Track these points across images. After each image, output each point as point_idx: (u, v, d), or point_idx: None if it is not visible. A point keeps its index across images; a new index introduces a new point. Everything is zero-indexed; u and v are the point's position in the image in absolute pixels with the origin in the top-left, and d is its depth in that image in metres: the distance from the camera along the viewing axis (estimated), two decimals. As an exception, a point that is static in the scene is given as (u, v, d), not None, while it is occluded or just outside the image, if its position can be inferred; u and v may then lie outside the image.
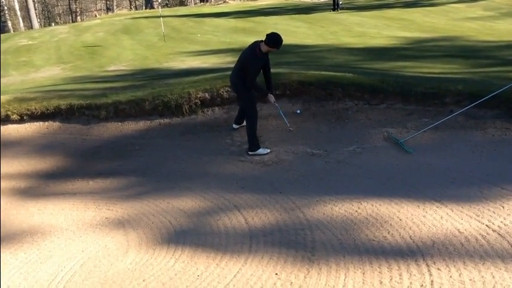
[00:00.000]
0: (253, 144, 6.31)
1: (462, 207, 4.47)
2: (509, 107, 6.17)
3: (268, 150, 6.31)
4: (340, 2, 19.60)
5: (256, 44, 6.04)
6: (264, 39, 5.95)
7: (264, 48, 5.96)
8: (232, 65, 10.09)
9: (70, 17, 47.88)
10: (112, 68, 11.65)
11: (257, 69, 6.05)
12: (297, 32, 15.09)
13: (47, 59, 13.80)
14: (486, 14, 16.45)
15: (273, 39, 5.89)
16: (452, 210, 4.45)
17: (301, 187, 5.34)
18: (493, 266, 3.58)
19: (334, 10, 19.24)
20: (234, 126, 6.90)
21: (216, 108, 7.25)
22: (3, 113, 7.23)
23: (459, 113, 6.24)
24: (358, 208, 4.69)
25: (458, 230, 4.13)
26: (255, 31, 15.70)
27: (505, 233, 3.97)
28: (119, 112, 7.19)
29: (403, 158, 5.81)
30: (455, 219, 4.30)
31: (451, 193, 4.78)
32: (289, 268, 3.89)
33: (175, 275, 3.92)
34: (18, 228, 4.97)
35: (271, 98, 6.31)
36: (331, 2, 19.82)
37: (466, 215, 4.34)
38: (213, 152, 6.45)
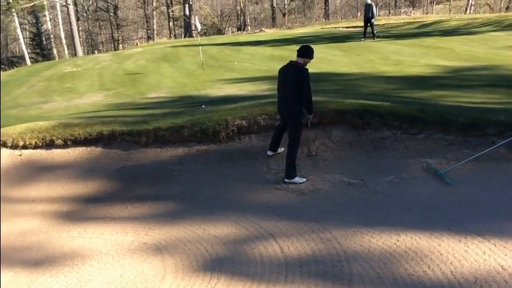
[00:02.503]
0: (292, 171, 6.32)
1: (506, 243, 4.32)
2: (555, 139, 5.98)
3: (304, 180, 6.30)
4: (375, 31, 19.54)
5: (293, 63, 6.21)
6: (297, 56, 6.18)
7: (303, 62, 6.15)
8: (269, 93, 10.26)
9: (112, 45, 49.73)
10: (152, 95, 11.99)
11: (309, 82, 6.14)
12: (333, 60, 15.15)
13: (90, 86, 14.34)
14: (528, 42, 16.08)
15: (307, 49, 6.17)
16: (495, 245, 4.30)
17: (338, 217, 5.29)
18: (541, 307, 3.43)
19: (364, 38, 19.21)
20: (269, 153, 6.93)
21: (253, 136, 7.32)
22: (48, 138, 7.52)
23: (501, 144, 6.08)
24: (397, 241, 4.60)
25: (501, 266, 3.99)
26: (291, 59, 15.87)
27: (553, 271, 3.81)
28: (158, 138, 7.36)
29: (443, 189, 5.68)
30: (499, 255, 4.16)
31: (494, 227, 4.63)
32: (325, 300, 3.83)
33: (211, 303, 3.93)
34: (59, 251, 5.10)
35: (311, 115, 6.56)
36: (363, 30, 19.74)
37: (510, 250, 4.19)
38: (250, 180, 6.48)
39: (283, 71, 6.35)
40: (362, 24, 21.51)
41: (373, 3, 19.38)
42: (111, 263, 4.75)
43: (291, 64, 6.23)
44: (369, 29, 19.39)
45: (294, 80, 6.11)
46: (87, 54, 40.64)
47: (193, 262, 4.63)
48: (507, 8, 36.60)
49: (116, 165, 7.14)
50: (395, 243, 4.56)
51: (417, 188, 5.81)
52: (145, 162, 7.12)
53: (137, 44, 34.25)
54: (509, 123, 6.44)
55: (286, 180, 6.32)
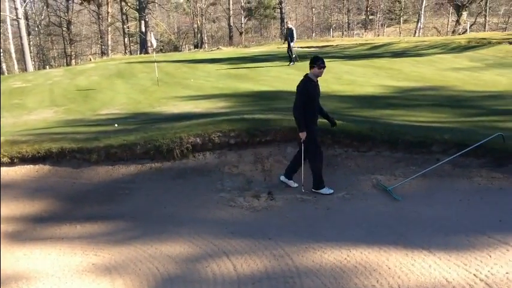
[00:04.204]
0: (319, 181, 6.32)
1: (450, 256, 4.49)
2: (495, 157, 6.30)
3: (332, 191, 6.30)
4: (294, 55, 18.47)
5: (305, 75, 6.28)
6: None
7: (311, 73, 6.20)
8: (225, 110, 10.30)
9: (65, 60, 48.55)
10: (105, 111, 11.76)
11: (303, 94, 6.14)
12: (288, 78, 15.39)
13: (40, 102, 13.90)
14: (472, 64, 16.95)
15: (314, 58, 6.20)
16: (440, 259, 4.46)
17: (291, 233, 5.33)
18: (482, 317, 3.57)
19: (292, 62, 18.36)
20: (282, 178, 6.63)
21: (207, 153, 7.31)
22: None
23: (446, 161, 6.35)
24: (347, 256, 4.68)
25: (446, 279, 4.13)
26: (247, 77, 16.02)
27: (492, 282, 3.98)
28: (110, 156, 7.22)
29: (391, 205, 5.86)
30: (443, 268, 4.31)
31: (439, 241, 4.80)
32: (277, 317, 3.84)
33: (162, 323, 3.86)
34: (2, 273, 4.86)
35: (303, 136, 6.17)
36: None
37: (454, 263, 4.35)
38: (204, 197, 6.45)
39: None
40: (312, 44, 21.65)
41: (293, 27, 19.04)
42: (57, 285, 4.57)
43: (303, 78, 6.30)
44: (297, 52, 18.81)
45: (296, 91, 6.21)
46: (38, 69, 39.48)
47: (143, 282, 4.54)
48: (453, 32, 38.50)
49: (65, 183, 6.92)
50: (345, 258, 4.64)
51: (367, 204, 5.96)
52: (96, 181, 6.95)
53: (90, 60, 33.63)
54: (453, 142, 6.75)
55: (313, 190, 6.35)
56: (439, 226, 5.15)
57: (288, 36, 18.47)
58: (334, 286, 4.22)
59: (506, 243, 4.54)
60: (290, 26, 19.14)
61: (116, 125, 9.04)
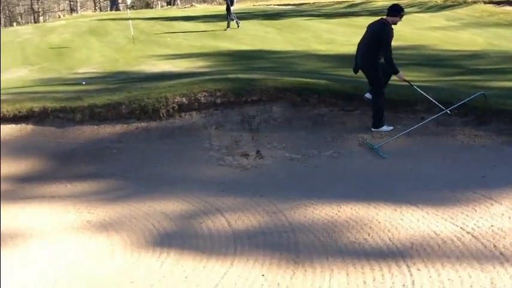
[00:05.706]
0: (379, 120, 6.61)
1: (437, 211, 4.68)
2: (477, 115, 6.50)
3: (391, 128, 6.62)
4: (235, 20, 17.47)
5: (382, 19, 6.42)
6: (386, 14, 6.38)
7: (390, 20, 6.34)
8: (205, 70, 10.20)
9: (32, 17, 46.49)
10: (82, 70, 11.49)
11: (391, 38, 6.29)
12: (266, 37, 15.28)
13: (12, 60, 13.44)
14: (449, 24, 17.12)
15: (393, 7, 6.36)
16: (427, 214, 4.65)
17: (282, 191, 5.44)
18: (469, 267, 3.77)
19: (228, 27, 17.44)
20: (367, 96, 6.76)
21: (194, 113, 7.28)
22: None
23: (430, 120, 6.52)
24: (338, 211, 4.83)
25: (434, 232, 4.33)
26: (225, 36, 15.81)
27: (478, 234, 4.19)
28: (94, 115, 7.13)
29: (378, 163, 6.01)
30: (431, 222, 4.50)
31: (426, 197, 4.98)
32: (275, 269, 3.98)
33: (164, 277, 3.95)
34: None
35: (403, 75, 6.59)
36: (300, 8, 19.18)
37: (441, 218, 4.55)
38: (193, 156, 6.48)
39: (369, 25, 6.60)
40: (289, 2, 20.97)
41: None
42: (54, 242, 4.59)
43: (379, 19, 6.46)
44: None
45: (374, 33, 6.38)
46: (5, 26, 37.78)
47: (141, 238, 4.60)
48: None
49: (49, 143, 6.84)
50: (336, 214, 4.79)
51: (354, 162, 6.10)
52: (81, 140, 6.88)
53: (59, 17, 32.35)
54: (436, 100, 6.89)
55: (373, 129, 6.64)
56: (425, 182, 5.34)
57: (228, 0, 17.50)
58: (328, 240, 4.37)
59: (490, 198, 4.75)
60: None
61: (84, 83, 8.95)
